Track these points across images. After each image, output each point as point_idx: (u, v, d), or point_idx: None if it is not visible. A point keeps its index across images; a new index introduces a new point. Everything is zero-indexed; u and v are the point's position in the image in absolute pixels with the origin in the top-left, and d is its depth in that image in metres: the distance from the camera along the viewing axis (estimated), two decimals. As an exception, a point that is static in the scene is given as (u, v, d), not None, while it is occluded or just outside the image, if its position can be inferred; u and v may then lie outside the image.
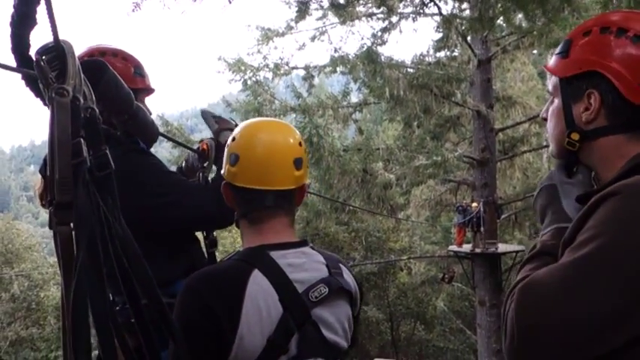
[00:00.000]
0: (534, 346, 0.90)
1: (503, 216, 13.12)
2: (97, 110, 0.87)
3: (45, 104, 0.87)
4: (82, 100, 0.83)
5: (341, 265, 1.53)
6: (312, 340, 1.35)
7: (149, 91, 2.20)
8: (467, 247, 12.65)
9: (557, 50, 1.19)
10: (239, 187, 1.45)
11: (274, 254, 1.38)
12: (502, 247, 12.63)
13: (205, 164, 2.21)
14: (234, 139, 1.47)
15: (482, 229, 11.72)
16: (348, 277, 1.51)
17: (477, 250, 11.97)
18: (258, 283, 1.31)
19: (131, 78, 2.08)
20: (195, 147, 2.36)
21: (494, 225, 12.22)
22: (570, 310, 0.87)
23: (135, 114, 1.35)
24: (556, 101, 1.19)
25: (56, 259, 0.85)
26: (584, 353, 0.87)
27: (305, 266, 1.41)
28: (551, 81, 1.20)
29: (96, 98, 0.87)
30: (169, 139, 2.11)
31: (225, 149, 1.50)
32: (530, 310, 0.91)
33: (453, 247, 13.45)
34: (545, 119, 1.24)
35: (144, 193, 1.83)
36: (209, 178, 2.24)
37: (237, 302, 1.28)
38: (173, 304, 1.78)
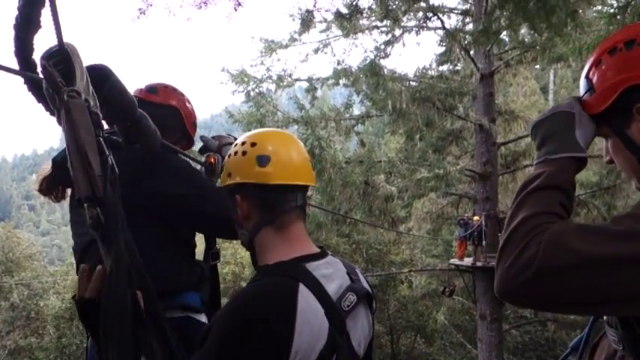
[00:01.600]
0: (548, 284, 0.96)
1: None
2: (101, 115, 0.87)
3: (48, 109, 0.86)
4: (91, 102, 0.83)
5: (357, 271, 1.53)
6: (344, 351, 1.34)
7: (190, 142, 2.33)
8: (468, 261, 12.62)
9: (582, 93, 1.18)
10: (272, 187, 1.41)
11: (309, 266, 1.36)
12: (503, 261, 12.57)
13: (213, 178, 2.26)
14: (253, 144, 1.44)
15: (483, 242, 11.69)
16: (365, 282, 1.50)
17: (479, 264, 11.94)
18: (305, 299, 1.28)
19: (191, 124, 2.30)
20: (202, 160, 2.41)
21: (496, 238, 12.18)
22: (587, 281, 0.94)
23: (138, 121, 1.33)
24: (610, 139, 1.17)
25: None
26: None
27: (333, 276, 1.40)
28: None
29: (99, 103, 0.87)
30: (174, 149, 2.10)
31: (238, 157, 1.45)
32: (557, 256, 0.96)
33: (455, 261, 13.42)
34: (611, 162, 1.21)
35: (178, 182, 1.90)
36: None
37: (292, 320, 1.24)
38: (180, 319, 1.74)
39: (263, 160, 1.42)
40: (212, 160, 2.27)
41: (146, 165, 1.82)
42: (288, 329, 1.22)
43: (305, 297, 1.27)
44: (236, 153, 1.45)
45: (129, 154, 1.72)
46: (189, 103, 2.32)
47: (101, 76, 1.10)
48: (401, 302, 17.91)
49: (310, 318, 1.26)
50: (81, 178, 0.79)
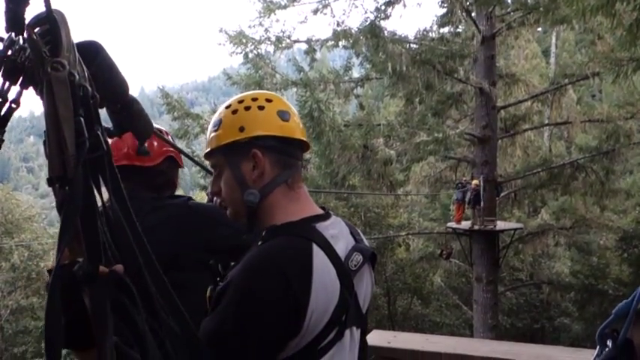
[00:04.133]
0: None
1: (502, 194, 13.14)
2: (91, 89, 0.83)
3: (34, 86, 0.82)
4: (77, 77, 0.79)
5: (359, 231, 1.53)
6: (352, 310, 1.35)
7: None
8: (465, 224, 12.71)
9: None
10: (294, 142, 1.41)
11: (319, 227, 1.35)
12: (500, 225, 12.68)
13: None
14: (269, 100, 1.41)
15: (481, 206, 11.75)
16: (367, 242, 1.51)
17: (476, 227, 12.03)
18: (320, 259, 1.27)
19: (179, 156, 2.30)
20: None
21: (494, 202, 12.25)
22: None
23: (129, 104, 1.27)
24: None
25: (55, 231, 0.82)
26: None
27: (339, 236, 1.39)
28: None
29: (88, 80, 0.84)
30: (173, 145, 2.09)
31: (253, 112, 1.39)
32: None
33: (452, 224, 13.51)
34: None
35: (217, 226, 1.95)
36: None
37: (309, 279, 1.23)
38: None
39: (285, 115, 1.40)
40: None
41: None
42: (306, 288, 1.22)
43: (320, 257, 1.27)
44: (248, 108, 1.39)
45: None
46: (167, 133, 2.25)
47: (91, 52, 1.05)
48: (398, 265, 18.10)
49: (325, 278, 1.26)
50: (55, 157, 0.77)
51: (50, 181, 0.76)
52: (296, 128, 1.42)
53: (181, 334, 0.97)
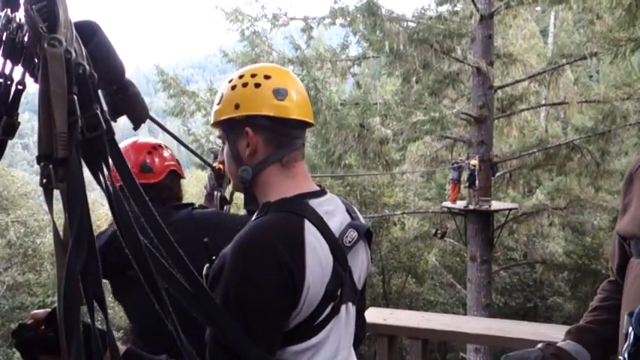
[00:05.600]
0: None
1: (497, 174, 13.16)
2: (88, 68, 0.82)
3: (27, 68, 0.81)
4: (73, 55, 0.78)
5: (355, 208, 1.55)
6: (347, 285, 1.37)
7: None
8: (461, 204, 12.75)
9: None
10: (288, 122, 1.39)
11: (312, 203, 1.36)
12: (495, 205, 12.73)
13: (222, 182, 2.47)
14: (267, 77, 1.40)
15: (476, 186, 11.77)
16: (363, 220, 1.52)
17: (471, 207, 12.06)
18: (312, 234, 1.29)
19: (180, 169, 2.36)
20: (211, 162, 2.62)
21: (489, 182, 12.27)
22: None
23: (125, 87, 1.26)
24: None
25: (54, 206, 0.81)
26: None
27: (335, 212, 1.41)
28: None
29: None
30: (166, 130, 2.09)
31: (249, 89, 1.39)
32: None
33: (447, 204, 13.55)
34: None
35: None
36: (225, 196, 2.49)
37: (302, 254, 1.25)
38: None
39: (281, 93, 1.39)
40: (220, 166, 2.45)
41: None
42: (299, 262, 1.24)
43: (311, 232, 1.29)
44: (245, 85, 1.39)
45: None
46: (166, 148, 2.31)
47: (88, 31, 1.03)
48: (393, 244, 18.19)
49: (318, 252, 1.28)
50: (44, 134, 0.76)
51: (39, 159, 0.76)
52: (293, 107, 1.40)
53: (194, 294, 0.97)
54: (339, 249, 1.33)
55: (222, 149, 1.50)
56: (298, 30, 12.57)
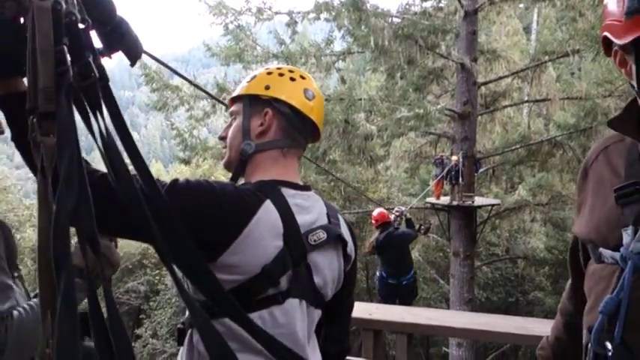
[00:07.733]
0: None
1: (481, 170, 13.26)
2: (80, 16, 0.80)
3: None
4: (63, 5, 0.77)
5: (339, 216, 1.55)
6: (302, 281, 1.36)
7: None
8: (444, 200, 12.82)
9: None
10: (307, 120, 1.50)
11: (285, 191, 1.39)
12: (478, 200, 12.83)
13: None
14: (303, 77, 1.52)
15: (460, 182, 11.85)
16: (345, 229, 1.52)
17: (454, 203, 12.14)
18: (268, 212, 1.31)
19: None
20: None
21: (472, 178, 12.36)
22: None
23: (118, 26, 1.26)
24: None
25: (34, 202, 0.79)
26: None
27: (309, 210, 1.43)
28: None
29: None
30: (159, 61, 2.06)
31: (285, 79, 1.50)
32: None
33: (431, 199, 13.62)
34: None
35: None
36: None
37: (248, 217, 1.28)
38: None
39: (309, 95, 1.50)
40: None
41: None
42: (244, 217, 1.27)
43: (268, 210, 1.31)
44: (281, 75, 1.50)
45: None
46: None
47: None
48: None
49: (263, 229, 1.29)
50: (32, 90, 0.75)
51: (27, 113, 0.75)
52: (315, 110, 1.51)
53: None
54: (296, 240, 1.34)
55: (229, 124, 1.55)
56: (283, 24, 12.52)
